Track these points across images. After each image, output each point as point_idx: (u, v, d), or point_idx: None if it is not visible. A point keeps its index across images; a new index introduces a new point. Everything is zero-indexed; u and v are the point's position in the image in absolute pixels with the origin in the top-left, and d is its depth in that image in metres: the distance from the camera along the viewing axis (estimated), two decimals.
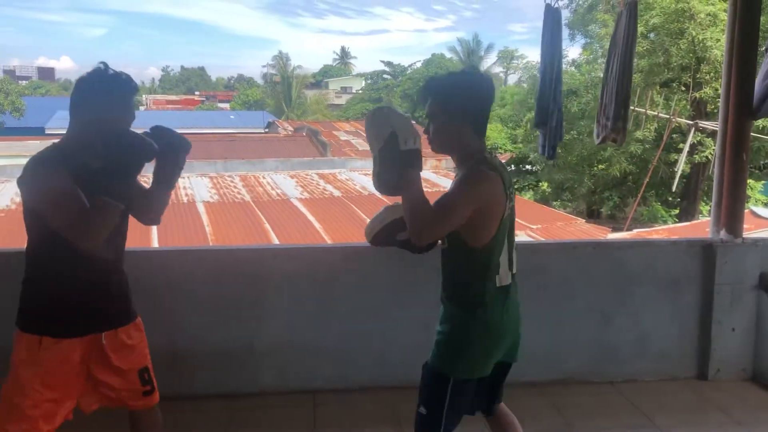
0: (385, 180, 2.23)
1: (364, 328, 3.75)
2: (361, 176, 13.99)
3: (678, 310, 3.96)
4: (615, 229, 13.89)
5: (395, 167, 2.19)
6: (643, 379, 3.94)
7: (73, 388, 2.32)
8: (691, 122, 14.97)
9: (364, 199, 11.30)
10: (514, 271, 2.35)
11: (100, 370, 2.35)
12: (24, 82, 61.27)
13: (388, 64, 58.18)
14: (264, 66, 72.46)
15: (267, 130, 31.18)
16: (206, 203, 11.22)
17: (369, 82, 58.05)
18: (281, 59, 52.05)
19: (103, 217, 2.14)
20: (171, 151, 2.35)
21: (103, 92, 2.23)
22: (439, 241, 2.34)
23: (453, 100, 2.24)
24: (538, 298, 3.70)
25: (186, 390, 3.56)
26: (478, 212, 2.16)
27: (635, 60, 17.43)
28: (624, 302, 3.90)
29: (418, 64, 52.15)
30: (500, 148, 27.90)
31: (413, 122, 2.32)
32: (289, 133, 27.99)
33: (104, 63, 2.27)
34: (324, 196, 12.05)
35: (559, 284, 3.84)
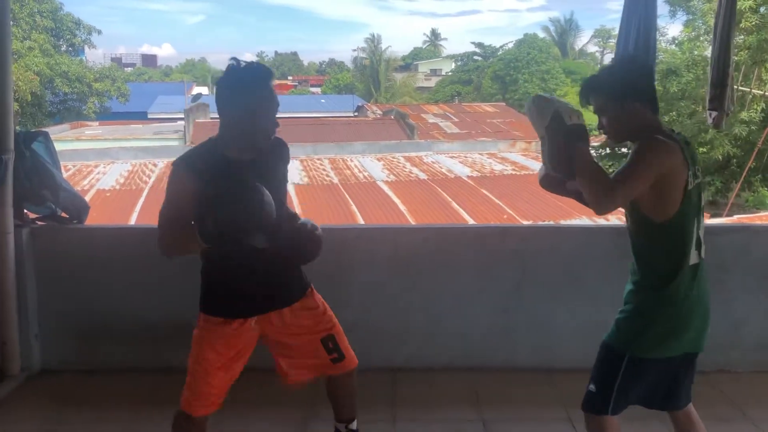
0: (556, 153, 2.26)
1: (444, 308, 3.79)
2: (446, 159, 13.94)
3: None
4: (715, 216, 13.22)
5: (564, 141, 2.22)
6: (737, 370, 3.77)
7: (239, 358, 2.51)
8: None
9: (449, 182, 11.28)
10: (703, 254, 2.31)
11: (284, 345, 2.57)
12: (129, 69, 64.51)
13: (479, 45, 57.39)
14: (354, 50, 73.08)
15: (356, 113, 31.51)
16: (297, 185, 11.52)
17: (459, 63, 57.45)
18: (372, 42, 52.26)
19: (182, 243, 2.30)
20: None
21: (238, 86, 2.27)
22: (625, 221, 2.33)
23: (614, 86, 2.26)
24: (621, 285, 3.61)
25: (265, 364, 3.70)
26: (658, 182, 2.13)
27: (742, 36, 16.42)
28: (715, 290, 3.70)
29: (510, 45, 51.14)
30: (594, 130, 27.03)
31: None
32: (378, 116, 28.16)
33: (235, 58, 2.32)
34: (410, 178, 12.10)
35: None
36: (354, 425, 2.83)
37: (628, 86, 2.25)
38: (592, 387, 2.32)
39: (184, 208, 2.21)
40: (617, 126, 2.29)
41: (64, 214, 3.80)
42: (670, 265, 2.22)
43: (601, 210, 2.14)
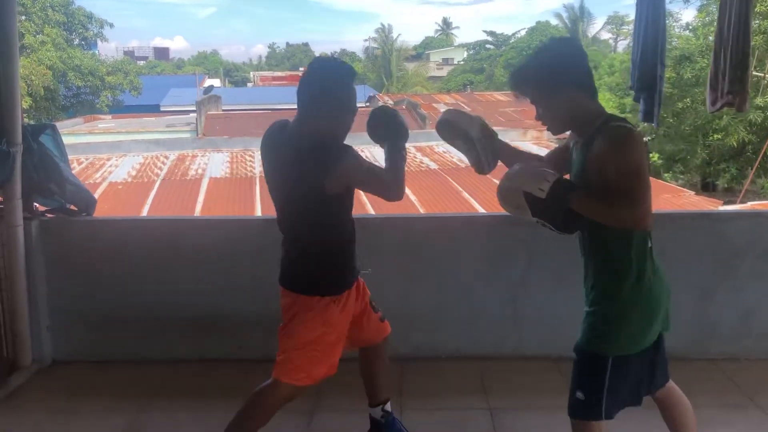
0: (561, 225, 2.18)
1: (452, 298, 3.78)
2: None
3: None
4: (729, 203, 13.08)
5: (556, 210, 2.12)
6: (747, 358, 3.74)
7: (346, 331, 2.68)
8: None
9: (460, 172, 11.24)
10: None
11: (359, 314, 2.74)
12: (142, 62, 64.68)
13: (491, 33, 57.01)
14: (366, 40, 72.81)
15: (368, 103, 31.46)
16: None
17: (471, 52, 57.14)
18: (383, 32, 52.07)
19: (400, 168, 2.62)
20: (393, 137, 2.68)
21: (339, 84, 2.49)
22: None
23: (541, 75, 2.14)
24: None
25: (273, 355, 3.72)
26: None
27: (757, 21, 16.17)
28: (726, 277, 3.70)
29: (522, 33, 50.77)
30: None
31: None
32: (389, 106, 28.05)
33: (331, 54, 2.52)
34: (420, 168, 12.08)
35: (655, 257, 3.69)
36: (389, 406, 2.91)
37: (557, 73, 2.12)
38: (579, 395, 2.24)
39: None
40: (554, 117, 2.19)
41: (73, 207, 3.82)
42: (634, 255, 2.16)
43: (646, 224, 2.11)
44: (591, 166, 2.12)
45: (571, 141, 2.35)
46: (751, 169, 15.89)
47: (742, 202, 12.99)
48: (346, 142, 2.52)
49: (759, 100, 16.16)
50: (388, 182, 2.56)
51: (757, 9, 14.43)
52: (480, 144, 2.52)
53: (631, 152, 2.04)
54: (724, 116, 16.93)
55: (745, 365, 3.69)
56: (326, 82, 2.47)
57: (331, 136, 2.47)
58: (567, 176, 2.31)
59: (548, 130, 2.28)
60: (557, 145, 2.60)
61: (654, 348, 2.30)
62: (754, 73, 12.66)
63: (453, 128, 2.56)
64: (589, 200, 2.09)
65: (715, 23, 4.35)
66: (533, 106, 2.23)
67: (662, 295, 2.24)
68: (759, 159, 14.25)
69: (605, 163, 2.05)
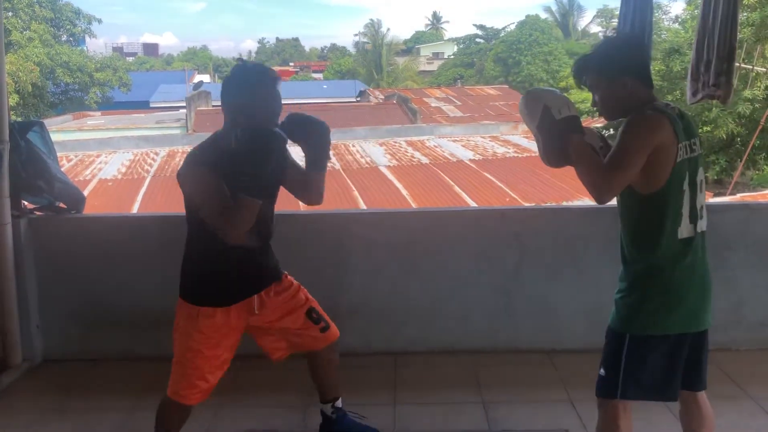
0: (550, 150, 2.28)
1: (445, 291, 3.78)
2: (449, 143, 13.90)
3: None
4: (719, 194, 13.14)
5: (556, 136, 2.24)
6: (738, 348, 3.76)
7: (230, 345, 2.56)
8: None
9: (451, 166, 11.24)
10: (701, 228, 2.27)
11: (263, 327, 2.64)
12: (131, 58, 64.30)
13: (481, 27, 56.90)
14: (356, 35, 72.74)
15: (358, 98, 31.42)
16: None
17: (461, 46, 57.07)
18: (372, 27, 51.97)
19: (241, 214, 2.28)
20: (311, 137, 2.50)
21: (240, 87, 2.39)
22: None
23: (605, 62, 2.25)
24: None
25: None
26: (649, 157, 2.12)
27: (745, 14, 16.23)
28: (716, 267, 3.67)
29: (512, 26, 50.77)
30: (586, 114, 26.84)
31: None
32: (380, 101, 28.04)
33: (241, 59, 2.48)
34: (412, 163, 12.07)
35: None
36: (339, 403, 2.87)
37: (620, 62, 2.23)
38: (602, 371, 2.30)
39: (222, 193, 2.29)
40: (610, 103, 2.28)
41: (62, 205, 3.79)
42: (654, 236, 2.19)
43: (602, 199, 2.13)
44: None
45: None
46: (741, 161, 15.98)
47: (731, 194, 13.07)
48: None
49: (747, 93, 16.23)
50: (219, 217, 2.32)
51: (745, 1, 14.47)
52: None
53: (635, 132, 2.13)
54: (713, 108, 16.99)
55: (736, 355, 3.71)
56: (225, 84, 2.44)
57: (212, 139, 2.45)
58: None
59: (601, 115, 2.36)
60: None
61: (691, 347, 2.29)
62: (743, 65, 12.71)
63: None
64: (582, 147, 2.21)
65: (699, 15, 4.33)
66: (591, 92, 2.32)
67: (689, 285, 2.24)
68: (748, 151, 14.35)
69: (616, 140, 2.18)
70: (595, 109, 2.34)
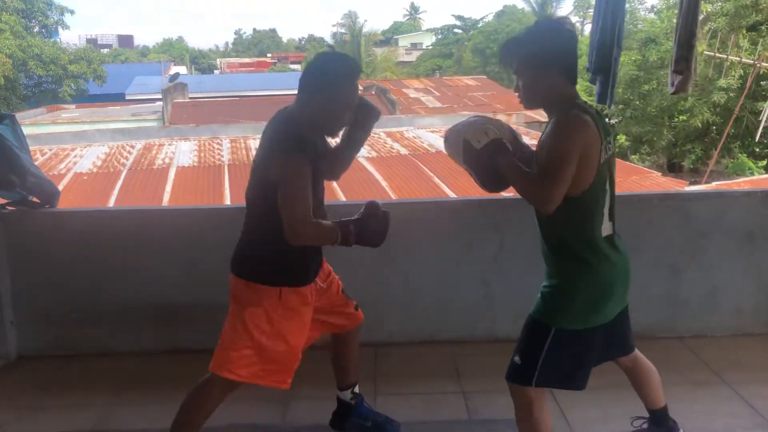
0: (484, 179, 2.34)
1: (424, 282, 3.78)
2: (428, 134, 13.88)
3: (753, 264, 3.80)
4: (695, 183, 13.30)
5: (483, 165, 2.29)
6: (714, 335, 3.82)
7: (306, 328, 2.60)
8: None
9: (430, 157, 11.23)
10: (616, 222, 2.33)
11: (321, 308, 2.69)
12: (105, 50, 63.37)
13: (459, 17, 57.02)
14: (334, 25, 72.23)
15: None
16: None
17: (439, 37, 57.11)
18: (350, 18, 51.74)
19: (318, 234, 2.45)
20: (364, 118, 2.61)
21: (337, 75, 2.41)
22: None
23: (534, 51, 2.22)
24: None
25: None
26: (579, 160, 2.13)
27: (719, 3, 16.39)
28: (694, 256, 3.76)
29: (490, 17, 50.81)
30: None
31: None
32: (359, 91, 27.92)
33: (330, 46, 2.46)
34: (391, 154, 12.03)
35: (625, 237, 3.73)
36: (357, 388, 2.92)
37: (545, 53, 2.21)
38: (516, 359, 2.35)
39: (309, 192, 2.35)
40: (531, 92, 2.28)
41: (35, 199, 3.72)
42: (582, 236, 2.24)
43: (546, 209, 2.15)
44: (539, 146, 2.25)
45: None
46: (716, 149, 16.18)
47: (707, 182, 13.24)
48: None
49: (722, 82, 16.46)
50: (295, 219, 2.34)
51: None
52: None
53: (566, 136, 2.13)
54: (689, 98, 17.19)
55: (712, 342, 3.76)
56: (320, 73, 2.43)
57: (307, 125, 2.42)
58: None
59: (521, 102, 2.35)
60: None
61: (612, 324, 2.37)
62: (717, 54, 12.84)
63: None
64: (511, 167, 2.24)
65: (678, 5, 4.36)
66: (515, 76, 2.31)
67: (615, 280, 2.31)
68: (723, 139, 14.53)
69: (543, 143, 2.20)
70: (516, 94, 2.33)
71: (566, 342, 2.28)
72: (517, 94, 2.33)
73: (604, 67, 4.00)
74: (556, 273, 2.32)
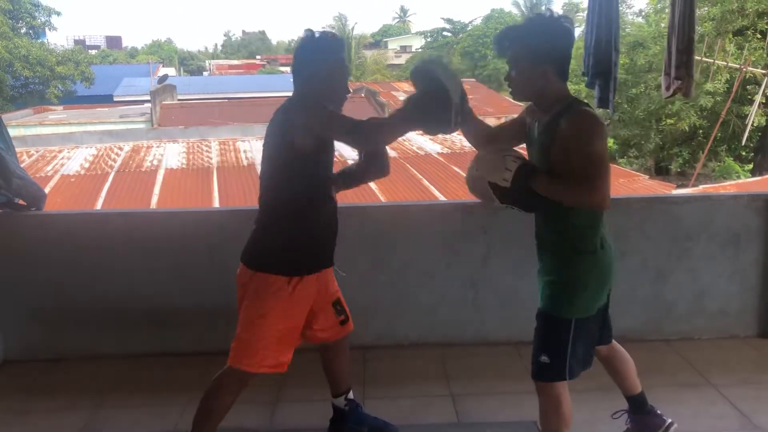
0: (530, 209, 2.38)
1: (413, 285, 3.79)
2: (417, 136, 13.88)
3: (739, 267, 3.82)
4: (682, 186, 13.40)
5: (523, 199, 2.28)
6: (700, 337, 3.84)
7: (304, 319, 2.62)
8: (766, 71, 14.12)
9: (419, 159, 11.24)
10: None
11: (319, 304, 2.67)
12: (93, 51, 62.92)
13: (448, 21, 57.01)
14: (323, 28, 72.23)
15: None
16: None
17: (429, 40, 57.14)
18: (340, 20, 51.77)
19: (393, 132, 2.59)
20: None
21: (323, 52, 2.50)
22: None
23: (531, 43, 2.24)
24: None
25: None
26: None
27: (706, 8, 16.51)
28: (680, 259, 3.79)
29: (479, 21, 50.94)
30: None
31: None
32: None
33: (310, 29, 2.53)
34: None
35: (612, 240, 3.75)
36: (351, 394, 2.91)
37: (544, 47, 2.24)
38: (544, 359, 2.37)
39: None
40: (523, 84, 2.30)
41: (21, 202, 3.69)
42: (593, 228, 2.31)
43: (606, 206, 2.20)
44: (557, 149, 2.22)
45: (529, 118, 2.44)
46: (703, 153, 16.29)
47: (694, 185, 13.34)
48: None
49: (709, 86, 16.57)
50: (359, 129, 2.38)
51: None
52: (455, 103, 2.35)
53: (596, 139, 2.18)
54: (677, 101, 17.29)
55: (698, 344, 3.79)
56: (311, 52, 2.49)
57: (314, 97, 2.46)
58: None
59: (512, 93, 2.37)
60: (511, 119, 2.63)
61: (606, 305, 2.47)
62: (704, 59, 12.94)
63: (432, 79, 2.40)
64: (551, 184, 2.23)
65: (667, 10, 4.40)
66: (509, 64, 2.32)
67: (612, 261, 2.39)
68: (710, 143, 14.64)
69: (571, 148, 2.18)
70: (506, 82, 2.34)
71: (584, 329, 2.35)
72: (507, 83, 2.34)
73: (602, 72, 4.01)
74: (565, 264, 2.35)
